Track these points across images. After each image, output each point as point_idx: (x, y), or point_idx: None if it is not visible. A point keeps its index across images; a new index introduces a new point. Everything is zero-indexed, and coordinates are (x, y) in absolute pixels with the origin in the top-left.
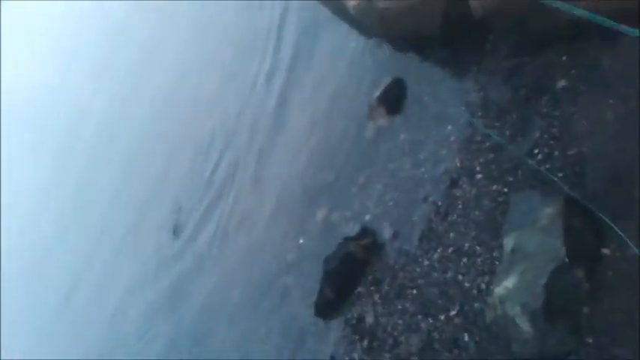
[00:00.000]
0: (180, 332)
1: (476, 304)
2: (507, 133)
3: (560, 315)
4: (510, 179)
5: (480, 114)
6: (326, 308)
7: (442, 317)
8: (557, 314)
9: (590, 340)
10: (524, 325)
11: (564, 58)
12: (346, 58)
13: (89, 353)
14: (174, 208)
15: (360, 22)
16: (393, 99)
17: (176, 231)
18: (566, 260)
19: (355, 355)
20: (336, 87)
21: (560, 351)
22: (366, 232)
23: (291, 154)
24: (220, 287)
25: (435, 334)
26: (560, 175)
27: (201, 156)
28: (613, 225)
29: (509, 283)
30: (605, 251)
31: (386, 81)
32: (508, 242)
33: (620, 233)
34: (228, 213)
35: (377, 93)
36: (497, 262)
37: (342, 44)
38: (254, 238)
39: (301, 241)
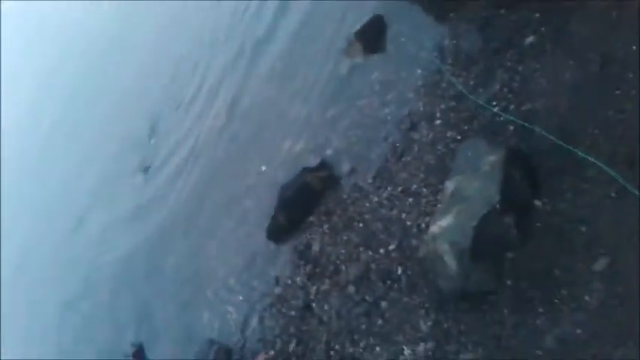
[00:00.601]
0: (138, 246)
1: (413, 242)
2: (471, 82)
3: (485, 257)
4: (465, 127)
5: (449, 61)
6: (277, 233)
7: (382, 251)
8: (482, 255)
9: (510, 283)
10: (451, 262)
11: (537, 15)
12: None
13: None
14: (151, 128)
15: None
16: (371, 37)
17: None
18: (498, 207)
19: (298, 279)
20: (319, 20)
21: (481, 290)
22: (325, 164)
23: (269, 83)
24: (184, 205)
25: (373, 266)
26: (511, 128)
27: (184, 77)
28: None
29: (443, 222)
30: (538, 203)
31: (366, 18)
32: (450, 185)
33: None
34: (204, 134)
35: (356, 28)
36: (439, 205)
37: None
38: (221, 161)
39: (264, 168)
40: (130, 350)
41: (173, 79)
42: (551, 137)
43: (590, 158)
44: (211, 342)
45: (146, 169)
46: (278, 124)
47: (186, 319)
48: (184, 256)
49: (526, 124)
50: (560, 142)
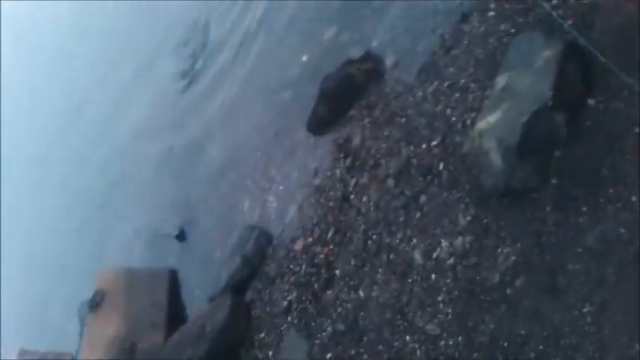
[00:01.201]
0: (180, 136)
1: (457, 138)
2: None
3: (532, 154)
4: (520, 20)
5: None
6: (318, 125)
7: (424, 146)
8: (529, 152)
9: (555, 181)
10: (496, 159)
11: None
12: None
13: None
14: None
15: None
16: None
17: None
18: (550, 103)
19: (337, 172)
20: None
21: (525, 187)
22: (369, 56)
23: None
24: (228, 99)
25: (414, 161)
26: (570, 22)
27: None
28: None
29: (492, 118)
30: (591, 102)
31: None
32: (500, 80)
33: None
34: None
35: None
36: (487, 101)
37: None
38: (261, 52)
39: (305, 58)
40: (171, 233)
41: None
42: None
43: None
44: (252, 228)
45: (192, 62)
46: (319, 10)
47: (227, 207)
48: (224, 147)
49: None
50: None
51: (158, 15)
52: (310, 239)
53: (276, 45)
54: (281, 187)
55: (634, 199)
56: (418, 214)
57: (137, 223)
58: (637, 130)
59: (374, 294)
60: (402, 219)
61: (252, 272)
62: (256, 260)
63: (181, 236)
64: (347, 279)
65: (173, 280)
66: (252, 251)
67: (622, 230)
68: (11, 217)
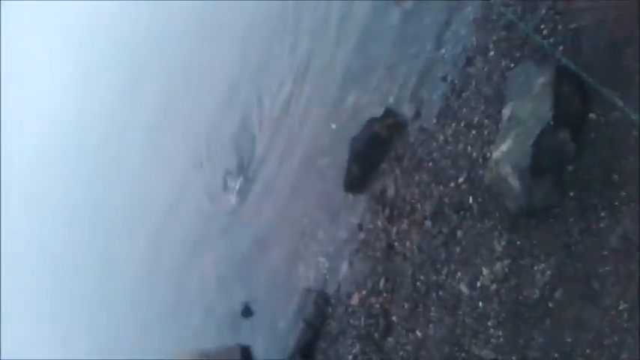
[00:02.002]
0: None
1: (480, 171)
2: (519, 10)
3: (546, 172)
4: (517, 55)
5: None
6: (354, 184)
7: (452, 184)
8: (543, 171)
9: (572, 194)
10: (514, 183)
11: None
12: None
13: None
14: None
15: None
16: None
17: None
18: (551, 123)
19: (378, 223)
20: None
21: (546, 204)
22: (390, 112)
23: (325, 41)
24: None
25: (446, 200)
26: (561, 48)
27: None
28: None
29: (504, 147)
30: (592, 115)
31: None
32: (506, 111)
33: (613, 95)
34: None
35: None
36: (499, 132)
37: None
38: (294, 126)
39: (333, 126)
40: (239, 308)
41: None
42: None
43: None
44: (309, 291)
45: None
46: (340, 80)
47: (284, 276)
48: (274, 219)
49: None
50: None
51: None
52: (364, 291)
53: (307, 118)
54: (330, 248)
55: None
56: (458, 249)
57: (205, 306)
58: (636, 134)
59: (430, 332)
60: (444, 256)
61: (316, 333)
62: (318, 322)
63: (247, 312)
64: (404, 323)
65: (245, 355)
66: (312, 314)
67: (637, 227)
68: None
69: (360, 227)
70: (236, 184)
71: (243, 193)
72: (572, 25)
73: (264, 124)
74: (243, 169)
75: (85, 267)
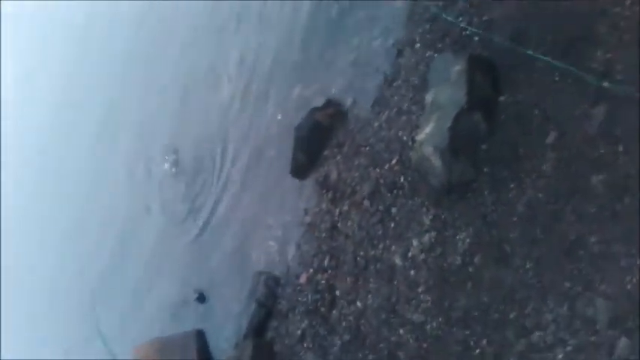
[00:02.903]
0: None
1: (410, 153)
2: (440, 3)
3: (463, 151)
4: (440, 45)
5: None
6: (300, 171)
7: (386, 166)
8: (460, 150)
9: (487, 170)
10: (436, 162)
11: None
12: None
13: None
14: None
15: None
16: None
17: None
18: (465, 106)
19: (323, 206)
20: None
21: (464, 180)
22: (331, 102)
23: (269, 36)
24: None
25: (381, 180)
26: (476, 38)
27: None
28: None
29: (427, 130)
30: (501, 98)
31: None
32: (428, 97)
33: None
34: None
35: None
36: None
37: None
38: (243, 120)
39: (279, 116)
40: (192, 296)
41: None
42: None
43: (537, 56)
44: (260, 273)
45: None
46: (286, 73)
47: (237, 263)
48: (227, 210)
49: (485, 32)
50: (515, 46)
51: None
52: (311, 270)
53: (255, 111)
54: (279, 232)
55: (544, 167)
56: (392, 225)
57: (159, 296)
58: (537, 112)
59: (369, 302)
60: (380, 232)
61: (268, 313)
62: (269, 302)
63: (201, 298)
64: (346, 295)
65: (201, 340)
66: (264, 294)
67: (540, 195)
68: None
69: (306, 211)
70: (189, 178)
71: (195, 186)
72: (485, 18)
73: (214, 121)
74: (196, 162)
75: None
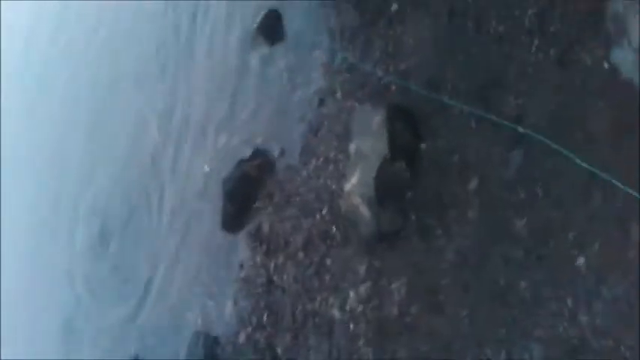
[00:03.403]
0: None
1: (340, 201)
2: (357, 54)
3: (389, 199)
4: (359, 94)
5: (338, 38)
6: (230, 224)
7: (317, 216)
8: (386, 199)
9: (414, 217)
10: (364, 211)
11: None
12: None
13: None
14: None
15: None
16: (271, 29)
17: None
18: (388, 157)
19: (257, 259)
20: (221, 21)
21: (393, 228)
22: (257, 153)
23: (193, 87)
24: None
25: (314, 231)
26: (393, 87)
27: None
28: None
29: (353, 180)
30: (423, 145)
31: (262, 12)
32: (352, 147)
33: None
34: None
35: (255, 24)
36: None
37: None
38: (171, 171)
39: (207, 168)
40: None
41: None
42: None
43: (452, 103)
44: (197, 334)
45: None
46: (211, 123)
47: (174, 324)
48: (164, 269)
49: (403, 80)
50: (429, 93)
51: None
52: (250, 328)
53: (180, 163)
54: (214, 289)
55: (470, 214)
56: (328, 276)
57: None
58: (457, 158)
59: (311, 358)
60: (317, 284)
61: None
62: None
63: None
64: (287, 353)
65: None
66: (201, 356)
67: (467, 241)
68: None
69: (241, 265)
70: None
71: (121, 247)
72: (401, 67)
73: (146, 174)
74: (121, 219)
75: None
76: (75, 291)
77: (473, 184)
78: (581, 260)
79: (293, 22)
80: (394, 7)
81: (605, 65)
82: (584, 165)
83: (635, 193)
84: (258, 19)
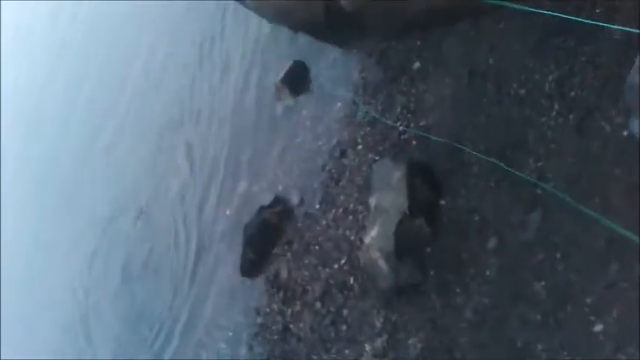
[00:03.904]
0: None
1: (358, 253)
2: (380, 108)
3: (408, 254)
4: (380, 148)
5: (360, 92)
6: (249, 269)
7: (336, 266)
8: (405, 254)
9: (433, 273)
10: (383, 265)
11: (419, 42)
12: (254, 47)
13: None
14: None
15: (260, 16)
16: (296, 80)
17: None
18: (407, 212)
19: (274, 306)
20: (248, 70)
21: (411, 282)
22: (278, 200)
23: (218, 130)
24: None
25: (332, 281)
26: (414, 142)
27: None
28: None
29: (373, 233)
30: (442, 202)
31: (288, 64)
32: (372, 201)
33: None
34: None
35: (281, 75)
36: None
37: (247, 35)
38: (190, 213)
39: (228, 212)
40: None
41: None
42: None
43: (476, 154)
44: None
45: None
46: (233, 168)
47: None
48: (177, 307)
49: (424, 134)
50: (453, 144)
51: None
52: None
53: (203, 206)
54: (230, 333)
55: (488, 273)
56: (344, 327)
57: None
58: (476, 217)
59: None
60: (333, 335)
61: None
62: None
63: None
64: None
65: None
66: None
67: (485, 300)
68: None
69: (258, 311)
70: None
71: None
72: (422, 123)
73: (164, 215)
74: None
75: None
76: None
77: (492, 243)
78: (599, 327)
79: (317, 73)
80: (416, 65)
81: (624, 133)
82: (607, 222)
83: None
84: (284, 70)
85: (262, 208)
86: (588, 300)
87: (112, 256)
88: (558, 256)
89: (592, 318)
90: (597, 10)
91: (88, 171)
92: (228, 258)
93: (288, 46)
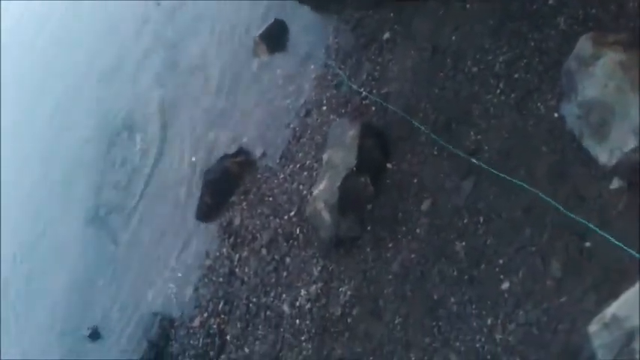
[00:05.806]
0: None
1: (306, 205)
2: (347, 73)
3: (350, 209)
4: (342, 111)
5: (333, 56)
6: (206, 214)
7: (285, 217)
8: (347, 208)
9: (369, 228)
10: (326, 216)
11: (392, 14)
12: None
13: None
14: None
15: None
16: (274, 38)
17: None
18: (354, 169)
19: (224, 250)
20: (230, 25)
21: (350, 235)
22: (241, 151)
23: (192, 80)
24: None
25: (280, 230)
26: (373, 108)
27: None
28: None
29: (320, 186)
30: (389, 165)
31: (269, 22)
32: (325, 156)
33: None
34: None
35: (261, 31)
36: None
37: None
38: (158, 156)
39: (193, 158)
40: (85, 331)
41: None
42: (398, 112)
43: (422, 128)
44: (155, 314)
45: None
46: (204, 118)
47: (134, 301)
48: (130, 245)
49: (382, 102)
50: (405, 116)
51: None
52: (205, 314)
53: (174, 151)
54: (179, 274)
55: (418, 231)
56: (285, 274)
57: (53, 331)
58: (416, 181)
59: (256, 348)
60: (273, 280)
61: (159, 353)
62: (161, 342)
63: (94, 335)
64: (235, 341)
65: None
66: (156, 335)
67: (413, 256)
68: None
69: (208, 254)
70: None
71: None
72: (383, 90)
73: (133, 156)
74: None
75: None
76: None
77: (425, 205)
78: (505, 285)
79: (295, 34)
80: (386, 35)
81: (555, 115)
82: (533, 190)
83: None
84: (264, 27)
85: (225, 157)
86: (500, 261)
87: None
88: (481, 220)
89: (501, 277)
90: (550, 2)
91: None
92: (186, 202)
93: (270, 6)
